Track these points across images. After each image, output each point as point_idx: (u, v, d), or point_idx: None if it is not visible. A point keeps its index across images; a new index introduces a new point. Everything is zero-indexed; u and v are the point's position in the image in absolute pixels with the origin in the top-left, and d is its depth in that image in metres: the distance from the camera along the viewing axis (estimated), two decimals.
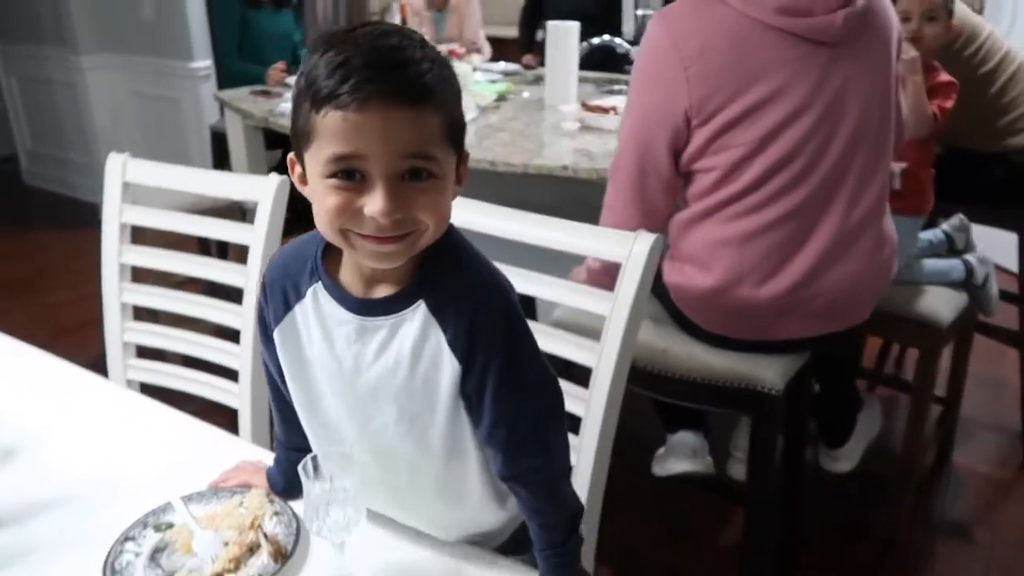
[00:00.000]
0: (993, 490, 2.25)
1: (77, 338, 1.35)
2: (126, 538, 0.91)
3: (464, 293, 0.76)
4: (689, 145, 1.46)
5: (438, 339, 0.76)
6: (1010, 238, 2.21)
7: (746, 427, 2.03)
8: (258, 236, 1.46)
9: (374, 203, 0.68)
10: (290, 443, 0.97)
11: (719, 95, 1.39)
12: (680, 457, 1.78)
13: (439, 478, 0.86)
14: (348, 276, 0.79)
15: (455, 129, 0.73)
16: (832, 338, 1.53)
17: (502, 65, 3.42)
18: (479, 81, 2.99)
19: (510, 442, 0.80)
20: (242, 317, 1.49)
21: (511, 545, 0.96)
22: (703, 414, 1.84)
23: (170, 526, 0.93)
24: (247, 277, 1.47)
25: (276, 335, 0.84)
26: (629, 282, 1.16)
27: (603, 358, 1.18)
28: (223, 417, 1.33)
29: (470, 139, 2.26)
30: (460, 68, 3.09)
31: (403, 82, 0.67)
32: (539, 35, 3.94)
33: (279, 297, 0.83)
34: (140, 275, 1.60)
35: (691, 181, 1.50)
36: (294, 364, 0.85)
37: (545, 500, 0.83)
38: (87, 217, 1.42)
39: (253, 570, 0.87)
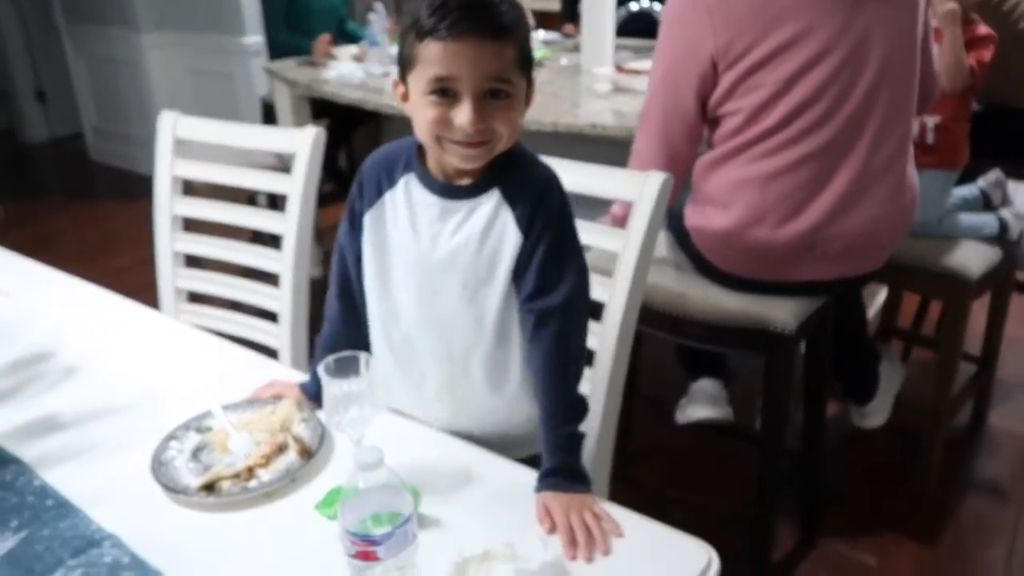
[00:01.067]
0: None
1: (138, 298, 1.47)
2: (171, 437, 1.01)
3: (530, 183, 0.95)
4: (716, 89, 1.48)
5: (506, 218, 0.94)
6: None
7: None
8: (296, 185, 1.55)
9: (463, 115, 0.87)
10: (335, 344, 1.04)
11: (744, 38, 1.42)
12: (700, 403, 1.82)
13: (487, 358, 1.00)
14: (435, 171, 0.97)
15: (526, 59, 0.91)
16: (847, 283, 1.55)
17: (541, 34, 3.46)
18: None
19: (547, 305, 0.95)
20: (281, 263, 1.59)
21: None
22: (723, 362, 1.88)
23: (210, 429, 1.03)
24: (286, 223, 1.57)
25: (367, 218, 1.00)
26: (640, 219, 1.21)
27: (615, 293, 1.24)
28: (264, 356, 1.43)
29: None
30: None
31: (488, 20, 0.86)
32: (580, 7, 3.96)
33: (373, 186, 1.00)
34: (192, 227, 1.72)
35: (717, 125, 1.53)
36: (377, 245, 1.01)
37: (558, 370, 0.95)
38: (148, 189, 1.54)
39: (281, 465, 0.96)
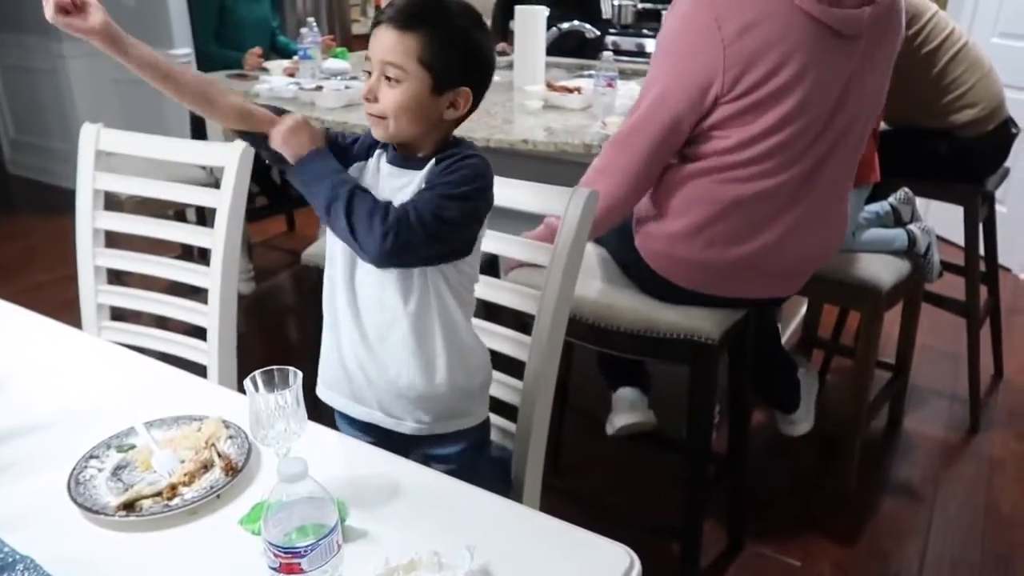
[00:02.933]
0: (940, 453, 2.34)
1: (59, 317, 1.43)
2: (90, 456, 0.99)
3: (456, 157, 1.04)
4: (709, 117, 1.46)
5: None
6: (957, 211, 2.30)
7: None
8: (224, 199, 1.54)
9: (364, 88, 1.02)
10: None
11: (752, 75, 1.40)
12: (622, 411, 1.87)
13: (411, 312, 1.07)
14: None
15: (431, 60, 1.00)
16: (774, 301, 1.62)
17: None
18: None
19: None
20: (209, 278, 1.56)
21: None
22: (642, 371, 1.93)
23: (132, 447, 1.01)
24: (214, 238, 1.55)
25: (352, 168, 1.09)
26: (567, 233, 1.25)
27: (543, 306, 1.27)
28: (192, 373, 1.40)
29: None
30: None
31: (398, 13, 0.99)
32: (512, 24, 4.02)
33: (364, 149, 1.11)
34: (116, 242, 1.68)
35: (696, 141, 1.51)
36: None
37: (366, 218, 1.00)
38: (69, 203, 1.49)
39: (205, 482, 0.95)
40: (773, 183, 1.48)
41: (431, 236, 0.99)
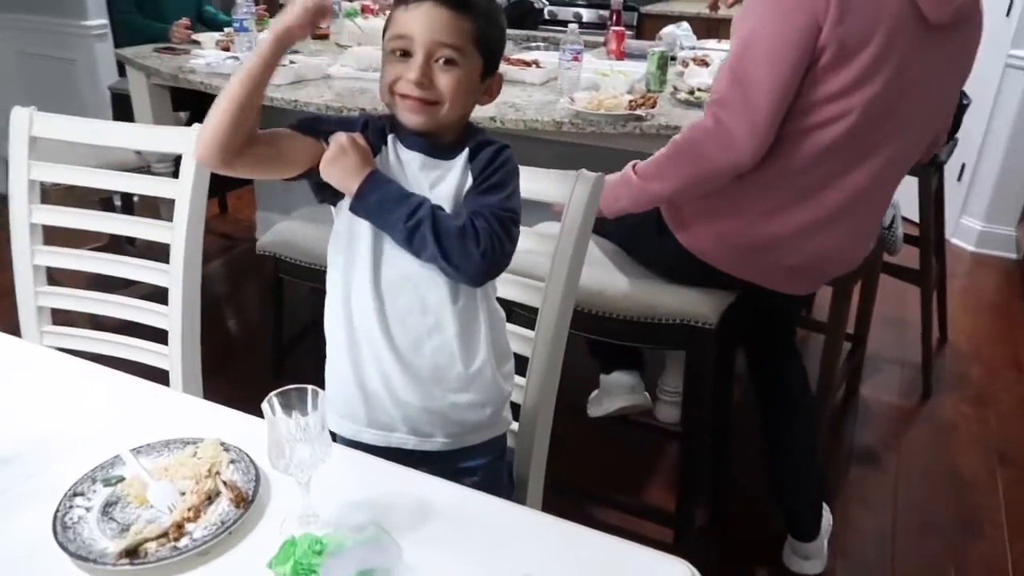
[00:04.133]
0: (898, 419, 2.41)
1: None
2: (74, 493, 0.88)
3: (489, 146, 1.00)
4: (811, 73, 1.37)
5: (468, 177, 0.99)
6: (911, 182, 2.34)
7: (675, 369, 2.11)
8: (184, 189, 1.41)
9: (411, 70, 0.93)
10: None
11: (844, 26, 1.33)
12: (617, 395, 1.83)
13: (461, 312, 1.01)
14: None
15: (485, 42, 0.96)
16: (785, 300, 1.60)
17: None
18: None
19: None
20: (170, 275, 1.43)
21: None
22: (638, 354, 1.89)
23: (120, 479, 0.90)
24: (174, 233, 1.42)
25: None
26: (571, 222, 1.18)
27: (548, 298, 1.21)
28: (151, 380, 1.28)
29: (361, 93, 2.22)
30: (375, 24, 3.02)
31: None
32: None
33: (375, 138, 1.00)
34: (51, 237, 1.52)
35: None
36: None
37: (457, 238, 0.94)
38: None
39: (214, 517, 0.85)
40: (824, 160, 1.43)
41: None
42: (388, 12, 1.00)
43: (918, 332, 2.71)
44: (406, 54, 0.94)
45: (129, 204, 3.23)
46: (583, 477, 2.03)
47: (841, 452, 2.25)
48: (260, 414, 1.05)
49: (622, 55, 2.67)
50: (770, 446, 1.77)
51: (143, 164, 2.61)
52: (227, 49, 2.76)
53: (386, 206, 0.94)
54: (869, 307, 2.39)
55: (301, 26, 0.90)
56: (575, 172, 1.19)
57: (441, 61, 0.94)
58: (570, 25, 2.31)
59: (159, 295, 1.51)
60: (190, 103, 3.30)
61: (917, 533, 1.96)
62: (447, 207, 0.97)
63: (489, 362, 1.04)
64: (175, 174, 2.89)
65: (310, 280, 1.99)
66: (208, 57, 2.52)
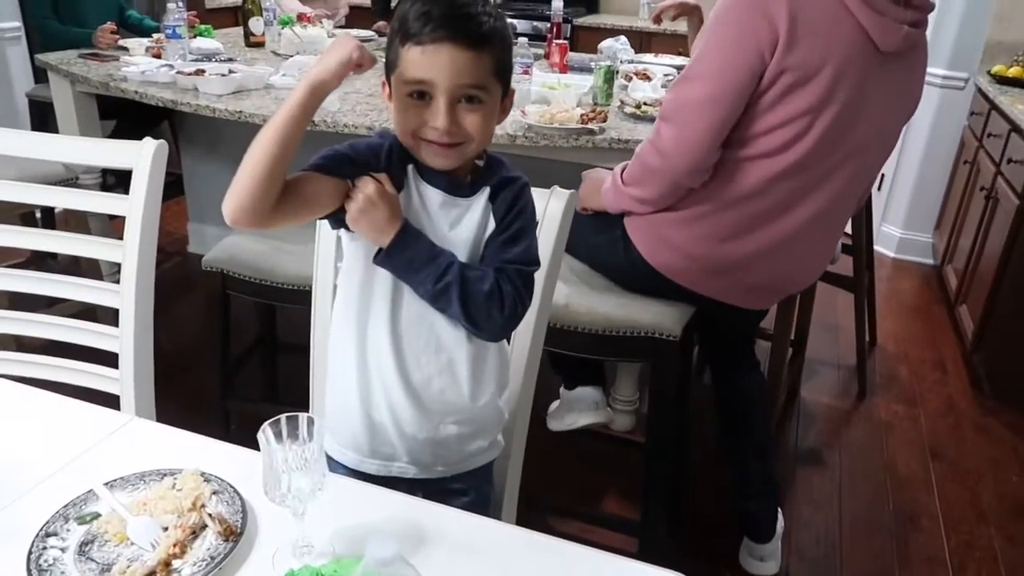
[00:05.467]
0: (837, 419, 2.51)
1: None
2: (47, 533, 0.82)
3: (510, 183, 0.98)
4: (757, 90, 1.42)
5: (488, 216, 0.97)
6: None
7: (627, 378, 2.13)
8: (136, 206, 1.34)
9: (437, 119, 0.90)
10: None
11: (796, 53, 1.37)
12: (583, 411, 1.84)
13: (473, 352, 1.00)
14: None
15: (503, 69, 0.94)
16: (741, 314, 1.65)
17: (359, 32, 3.32)
18: None
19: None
20: (121, 296, 1.37)
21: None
22: (600, 369, 1.91)
23: (96, 516, 0.85)
24: (125, 251, 1.35)
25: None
26: (545, 238, 1.18)
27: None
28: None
29: (340, 107, 2.19)
30: (313, 32, 2.97)
31: (467, 29, 0.88)
32: (393, 2, 3.86)
33: (398, 168, 0.96)
34: None
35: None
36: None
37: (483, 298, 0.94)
38: None
39: (202, 552, 0.82)
40: (780, 185, 1.47)
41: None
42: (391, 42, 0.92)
43: (850, 336, 2.83)
44: (423, 95, 0.90)
45: (50, 218, 3.08)
46: (542, 488, 2.02)
47: (787, 453, 2.32)
48: (216, 436, 1.01)
49: (565, 68, 2.70)
50: (729, 451, 1.81)
51: (70, 176, 2.48)
52: (158, 56, 2.65)
53: (414, 264, 0.93)
54: (808, 314, 2.48)
55: (337, 77, 0.87)
56: (548, 189, 1.19)
57: (464, 100, 0.90)
58: (519, 39, 2.32)
59: (87, 313, 1.43)
60: (116, 111, 3.17)
61: (863, 530, 2.03)
62: (466, 249, 0.97)
63: (495, 395, 1.04)
64: (102, 186, 2.79)
65: (259, 296, 1.93)
66: (141, 65, 2.42)
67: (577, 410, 1.86)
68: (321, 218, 0.96)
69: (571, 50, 2.80)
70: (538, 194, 1.20)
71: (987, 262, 2.72)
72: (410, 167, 0.96)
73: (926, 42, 1.54)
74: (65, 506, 0.86)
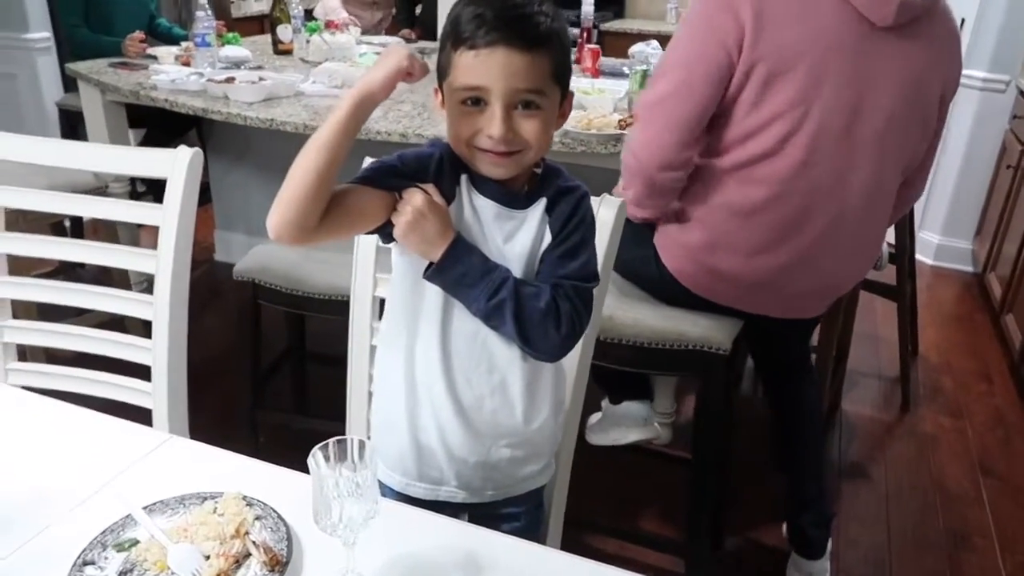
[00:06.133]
0: (881, 433, 2.43)
1: None
2: (84, 562, 0.78)
3: (569, 194, 0.93)
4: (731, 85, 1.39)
5: (545, 228, 0.92)
6: None
7: (665, 391, 2.07)
8: (170, 215, 1.31)
9: (492, 126, 0.85)
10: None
11: (766, 42, 1.33)
12: (630, 427, 1.78)
13: (529, 370, 0.95)
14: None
15: (562, 71, 0.88)
16: (788, 324, 1.59)
17: (384, 38, 3.29)
18: (365, 53, 2.86)
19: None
20: (155, 307, 1.33)
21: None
22: (648, 383, 1.84)
23: (135, 543, 0.81)
24: (158, 262, 1.32)
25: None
26: (598, 246, 1.13)
27: None
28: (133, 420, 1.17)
29: (374, 113, 2.15)
30: (342, 39, 2.94)
31: (523, 32, 0.83)
32: (417, 10, 3.84)
33: (452, 178, 0.91)
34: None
35: (713, 131, 1.44)
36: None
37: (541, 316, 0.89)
38: None
39: None
40: (792, 186, 1.41)
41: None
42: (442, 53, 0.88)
43: (890, 345, 2.75)
44: (477, 101, 0.85)
45: (78, 227, 3.08)
46: (582, 503, 1.97)
47: (831, 467, 2.24)
48: (245, 451, 0.97)
49: (598, 73, 2.65)
50: (784, 465, 1.76)
51: (100, 184, 2.46)
52: (187, 64, 2.64)
53: (467, 280, 0.88)
54: (850, 324, 2.40)
55: (385, 89, 0.83)
56: (597, 197, 1.14)
57: (520, 106, 0.85)
58: None
59: (114, 324, 1.40)
60: (145, 120, 3.16)
61: (912, 549, 1.95)
62: (521, 264, 0.92)
63: (550, 417, 0.99)
64: (132, 194, 2.78)
65: (290, 306, 1.89)
66: (171, 73, 2.40)
67: (625, 426, 1.80)
68: (369, 232, 0.91)
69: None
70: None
71: None
72: (463, 177, 0.91)
73: (946, 9, 1.44)
74: (103, 532, 0.82)
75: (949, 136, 3.49)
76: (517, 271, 0.91)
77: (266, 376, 2.16)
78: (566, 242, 0.91)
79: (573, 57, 2.85)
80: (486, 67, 0.82)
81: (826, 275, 1.53)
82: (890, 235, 2.38)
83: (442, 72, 0.88)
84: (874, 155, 1.43)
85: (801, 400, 1.73)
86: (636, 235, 1.56)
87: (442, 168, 0.90)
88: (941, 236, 3.65)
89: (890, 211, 1.57)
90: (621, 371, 1.59)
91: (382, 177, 0.88)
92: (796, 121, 1.37)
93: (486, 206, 0.91)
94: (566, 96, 0.91)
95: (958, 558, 1.93)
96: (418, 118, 2.10)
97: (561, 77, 0.88)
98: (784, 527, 1.84)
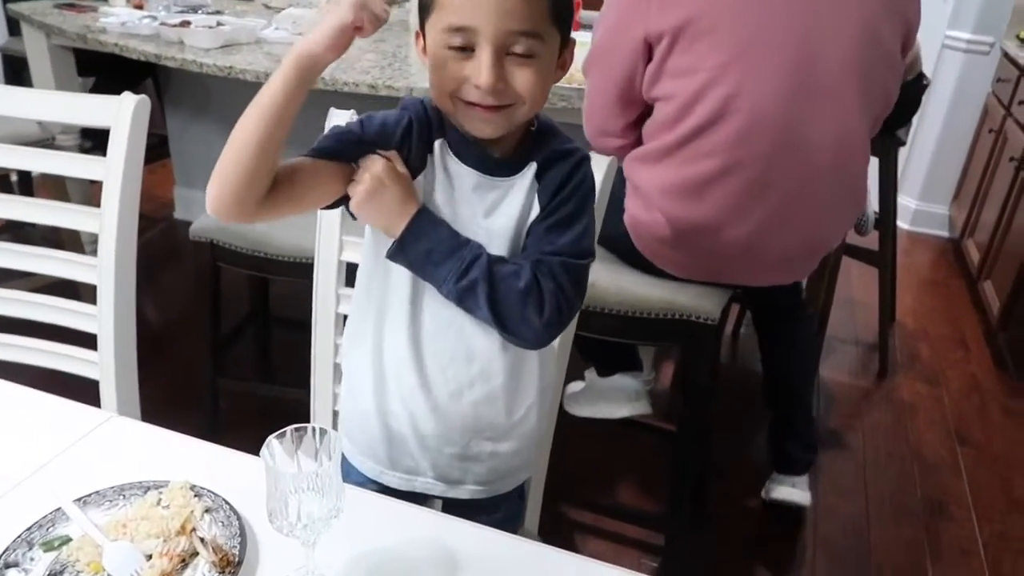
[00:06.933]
0: (858, 399, 2.40)
1: None
2: (6, 564, 0.69)
3: (563, 159, 0.82)
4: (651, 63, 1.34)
5: (534, 197, 0.82)
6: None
7: (645, 357, 2.01)
8: (114, 170, 1.19)
9: (479, 74, 0.73)
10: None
11: (681, 3, 1.28)
12: (621, 401, 1.70)
13: (512, 361, 0.86)
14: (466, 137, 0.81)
15: (563, 11, 0.76)
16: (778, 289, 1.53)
17: None
18: None
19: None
20: (99, 271, 1.22)
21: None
22: (636, 353, 1.77)
23: (66, 541, 0.72)
24: (102, 221, 1.20)
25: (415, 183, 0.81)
26: None
27: None
28: (74, 393, 1.07)
29: (338, 63, 2.02)
30: None
31: None
32: None
33: (424, 141, 0.81)
34: None
35: (648, 114, 1.40)
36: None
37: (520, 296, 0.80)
38: None
39: None
40: (741, 154, 1.32)
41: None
42: None
43: (866, 310, 2.72)
44: (464, 46, 0.73)
45: (28, 182, 2.90)
46: (558, 477, 1.92)
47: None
48: (205, 421, 0.88)
49: (578, 26, 2.53)
50: (772, 399, 1.80)
51: (46, 136, 2.30)
52: (140, 7, 2.46)
53: (433, 257, 0.78)
54: (831, 288, 2.35)
55: (333, 49, 0.71)
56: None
57: (513, 52, 0.74)
58: None
59: (69, 288, 1.29)
60: (96, 67, 2.98)
61: (890, 518, 1.93)
62: (506, 241, 0.81)
63: (535, 404, 0.90)
64: (80, 147, 2.61)
65: (251, 268, 1.78)
66: (122, 15, 2.24)
67: (615, 400, 1.71)
68: (327, 207, 0.81)
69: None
70: None
71: (1016, 236, 2.60)
72: (437, 143, 0.81)
73: None
74: (28, 528, 0.72)
75: (929, 99, 3.43)
76: (502, 249, 0.81)
77: (227, 342, 2.05)
78: (556, 213, 0.80)
79: None
80: (474, 3, 0.71)
81: (806, 233, 1.45)
82: (876, 201, 2.33)
83: (423, 10, 0.77)
84: (835, 106, 1.34)
85: (792, 341, 1.73)
86: (611, 208, 1.47)
87: (410, 133, 0.80)
88: (918, 201, 3.62)
89: (867, 158, 1.49)
90: (610, 342, 1.51)
91: (340, 146, 0.78)
92: (733, 84, 1.28)
93: (464, 175, 0.81)
94: (567, 44, 0.80)
95: (936, 527, 1.92)
96: (388, 68, 1.97)
97: (562, 19, 0.76)
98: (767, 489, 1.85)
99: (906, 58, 1.43)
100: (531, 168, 0.81)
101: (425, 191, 0.81)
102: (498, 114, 0.76)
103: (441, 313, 0.82)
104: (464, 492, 0.90)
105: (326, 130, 1.10)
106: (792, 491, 1.80)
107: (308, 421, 0.93)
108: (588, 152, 0.85)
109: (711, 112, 1.29)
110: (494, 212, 0.81)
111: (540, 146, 0.82)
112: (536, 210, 0.81)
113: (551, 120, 0.86)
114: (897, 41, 1.39)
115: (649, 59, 1.34)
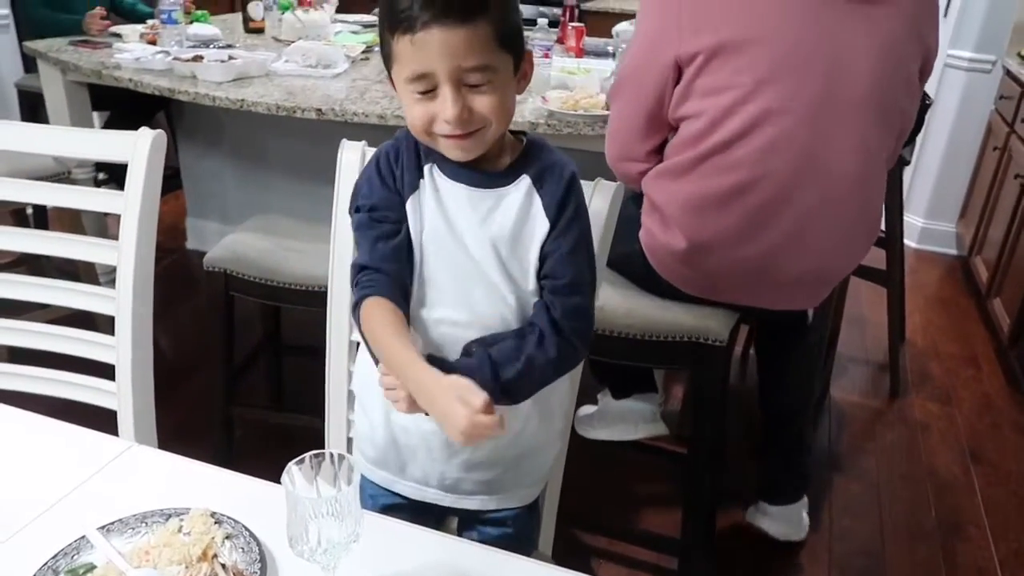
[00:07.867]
0: (870, 420, 2.40)
1: None
2: None
3: (558, 170, 0.88)
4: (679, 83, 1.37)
5: (537, 206, 0.87)
6: None
7: (657, 380, 2.01)
8: (132, 203, 1.22)
9: (446, 110, 0.80)
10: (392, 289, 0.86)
11: (713, 26, 1.31)
12: (637, 424, 1.70)
13: None
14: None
15: (509, 35, 0.81)
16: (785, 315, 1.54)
17: (360, 16, 3.18)
18: (340, 32, 2.76)
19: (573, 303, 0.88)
20: (118, 303, 1.24)
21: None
22: (652, 376, 1.77)
23: (90, 569, 0.73)
24: (120, 253, 1.23)
25: (408, 206, 0.88)
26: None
27: None
28: (91, 422, 1.09)
29: (348, 94, 2.07)
30: (316, 17, 2.83)
31: (453, 4, 0.76)
32: None
33: (414, 168, 0.88)
34: None
35: (674, 131, 1.42)
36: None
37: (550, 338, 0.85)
38: None
39: None
40: (764, 168, 1.34)
41: (592, 313, 0.91)
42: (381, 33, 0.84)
43: (876, 328, 2.72)
44: (426, 88, 0.80)
45: (43, 215, 2.95)
46: (571, 499, 1.92)
47: (822, 456, 2.20)
48: (219, 450, 0.90)
49: (582, 52, 2.57)
50: (764, 404, 1.80)
51: (62, 170, 2.35)
52: (153, 43, 2.52)
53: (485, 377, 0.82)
54: (840, 308, 2.36)
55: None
56: (590, 182, 1.07)
57: (472, 84, 0.80)
58: (539, 20, 2.19)
59: (86, 319, 1.31)
60: (110, 102, 3.04)
61: (906, 539, 1.92)
62: (504, 243, 0.86)
63: (559, 419, 0.92)
64: (95, 180, 2.65)
65: (265, 297, 1.81)
66: (136, 51, 2.29)
67: (631, 422, 1.71)
68: None
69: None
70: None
71: None
72: (427, 167, 0.88)
73: None
74: (54, 556, 0.74)
75: (934, 117, 3.46)
76: (505, 253, 0.86)
77: (241, 370, 2.07)
78: (567, 234, 0.87)
79: (556, 36, 2.76)
80: (425, 51, 0.77)
81: (820, 256, 1.45)
82: (882, 221, 2.34)
83: (386, 61, 0.84)
84: (856, 127, 1.36)
85: (787, 370, 1.74)
86: (623, 228, 1.49)
87: (400, 160, 0.87)
88: (925, 219, 3.62)
89: (884, 184, 1.50)
90: (625, 365, 1.52)
91: (378, 223, 0.86)
92: (766, 102, 1.31)
93: (457, 190, 0.87)
94: (522, 57, 0.85)
95: (951, 547, 1.90)
96: (396, 99, 2.00)
97: (509, 41, 0.81)
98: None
99: (923, 83, 1.46)
100: (524, 180, 0.87)
101: (417, 209, 0.87)
102: (470, 139, 0.82)
103: (457, 334, 0.86)
104: (473, 503, 0.92)
105: (339, 161, 1.13)
106: (774, 525, 1.77)
107: (322, 448, 0.94)
108: (575, 168, 0.90)
109: (740, 127, 1.31)
110: (489, 219, 0.86)
111: (530, 160, 0.88)
112: (542, 220, 0.86)
113: (541, 137, 0.92)
114: (916, 64, 1.42)
115: (677, 81, 1.36)
